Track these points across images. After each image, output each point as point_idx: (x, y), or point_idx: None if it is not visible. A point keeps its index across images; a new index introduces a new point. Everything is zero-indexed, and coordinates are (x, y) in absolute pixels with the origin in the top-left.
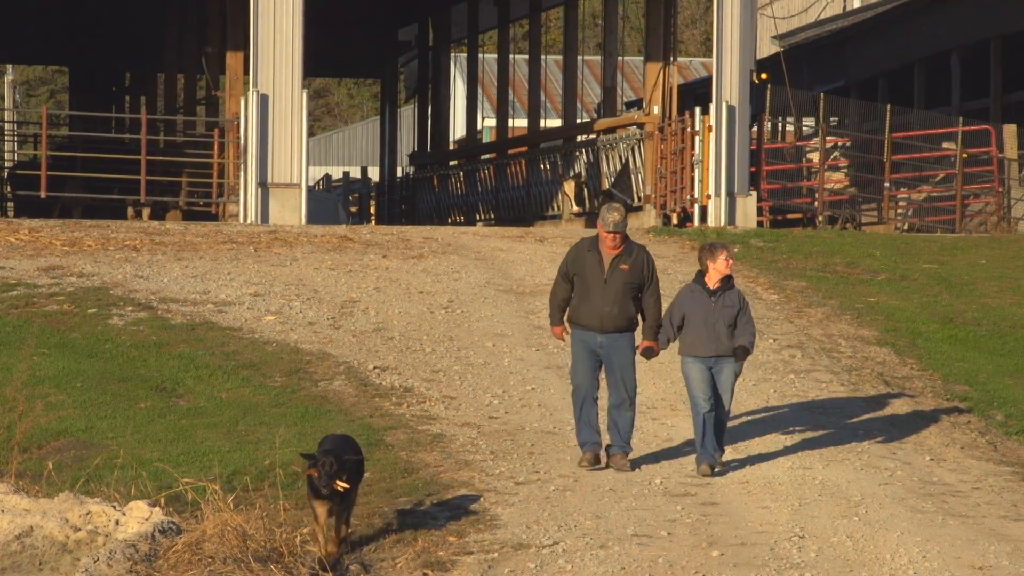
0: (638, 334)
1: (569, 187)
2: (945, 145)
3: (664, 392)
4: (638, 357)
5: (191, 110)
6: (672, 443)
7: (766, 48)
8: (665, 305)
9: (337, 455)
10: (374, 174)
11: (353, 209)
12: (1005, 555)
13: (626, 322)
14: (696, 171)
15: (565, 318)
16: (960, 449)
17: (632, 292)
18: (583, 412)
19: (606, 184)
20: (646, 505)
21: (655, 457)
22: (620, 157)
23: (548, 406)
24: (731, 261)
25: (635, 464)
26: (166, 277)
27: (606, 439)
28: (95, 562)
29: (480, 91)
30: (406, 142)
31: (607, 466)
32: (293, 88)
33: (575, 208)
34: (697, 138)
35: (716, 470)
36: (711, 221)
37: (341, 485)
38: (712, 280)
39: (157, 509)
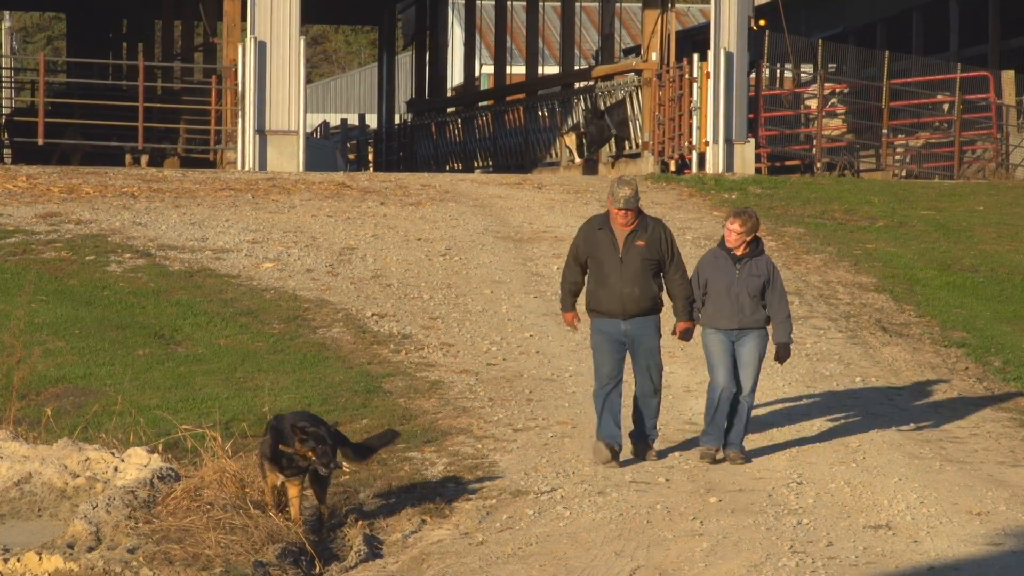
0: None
1: (570, 140)
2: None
3: (663, 339)
4: (676, 340)
5: (189, 57)
6: (670, 389)
7: None
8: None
9: (329, 429)
10: (372, 121)
11: (351, 156)
12: (1003, 501)
13: (650, 303)
14: (694, 118)
15: (579, 305)
16: (958, 395)
17: (652, 270)
18: (606, 404)
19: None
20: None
21: None
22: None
23: (546, 353)
24: (743, 234)
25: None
26: (164, 224)
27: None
28: (94, 508)
29: (478, 38)
30: (404, 89)
31: (634, 457)
32: (291, 35)
33: (578, 160)
34: (695, 85)
35: (719, 457)
36: (709, 168)
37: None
38: (732, 246)
39: (155, 456)
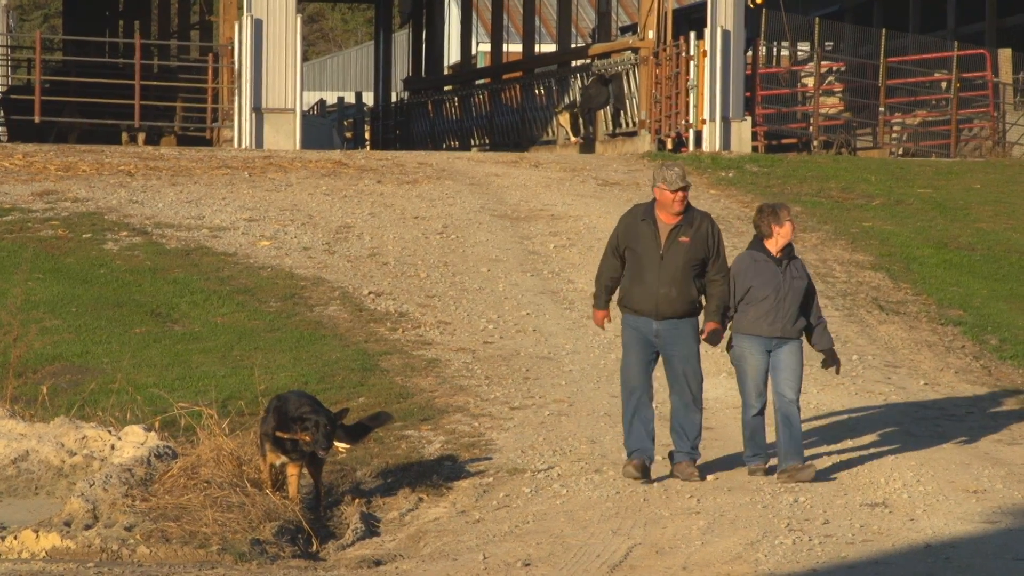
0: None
1: (564, 118)
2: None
3: None
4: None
5: (185, 35)
6: None
7: None
8: None
9: (328, 414)
10: (369, 99)
11: (348, 134)
12: (999, 479)
13: (687, 306)
14: (691, 96)
15: (615, 300)
16: (954, 373)
17: (694, 270)
18: (636, 415)
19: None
20: None
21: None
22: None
23: (543, 331)
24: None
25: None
26: (161, 202)
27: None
28: (91, 486)
29: (474, 16)
30: (401, 67)
31: (670, 474)
32: (287, 12)
33: (573, 139)
34: (692, 63)
35: (769, 466)
36: (706, 146)
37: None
38: (776, 247)
39: (153, 434)
